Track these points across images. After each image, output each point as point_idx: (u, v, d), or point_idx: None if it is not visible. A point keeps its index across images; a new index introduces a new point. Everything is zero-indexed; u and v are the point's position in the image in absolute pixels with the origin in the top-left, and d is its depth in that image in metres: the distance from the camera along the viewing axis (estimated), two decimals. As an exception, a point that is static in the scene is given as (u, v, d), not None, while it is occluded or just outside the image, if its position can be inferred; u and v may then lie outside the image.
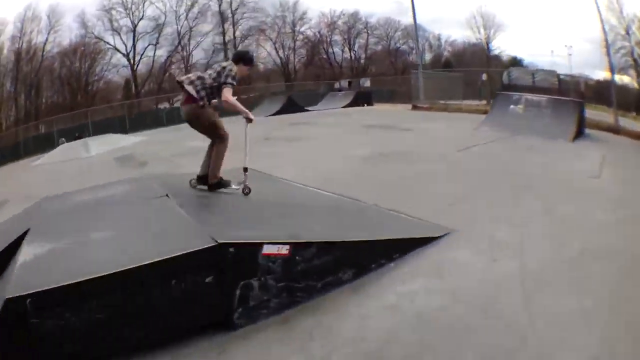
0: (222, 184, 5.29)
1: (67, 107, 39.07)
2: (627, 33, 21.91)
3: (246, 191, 5.30)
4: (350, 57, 54.30)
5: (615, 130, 16.11)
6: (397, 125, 16.79)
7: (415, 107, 23.88)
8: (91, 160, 17.37)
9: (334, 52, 54.79)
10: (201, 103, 4.87)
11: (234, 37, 51.14)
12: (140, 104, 42.15)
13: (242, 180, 5.32)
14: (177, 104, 41.83)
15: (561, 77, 20.29)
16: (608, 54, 21.33)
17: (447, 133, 15.13)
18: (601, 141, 13.77)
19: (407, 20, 63.49)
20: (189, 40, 49.20)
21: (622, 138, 15.02)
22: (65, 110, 37.82)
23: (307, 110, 28.77)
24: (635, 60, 22.22)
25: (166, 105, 41.62)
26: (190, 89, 4.82)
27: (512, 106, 16.97)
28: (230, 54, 48.46)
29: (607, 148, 12.19)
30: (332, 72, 51.77)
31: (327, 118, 21.75)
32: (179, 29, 47.98)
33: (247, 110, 5.16)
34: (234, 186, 5.35)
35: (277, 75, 53.28)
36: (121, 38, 45.99)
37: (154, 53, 47.79)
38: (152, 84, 48.84)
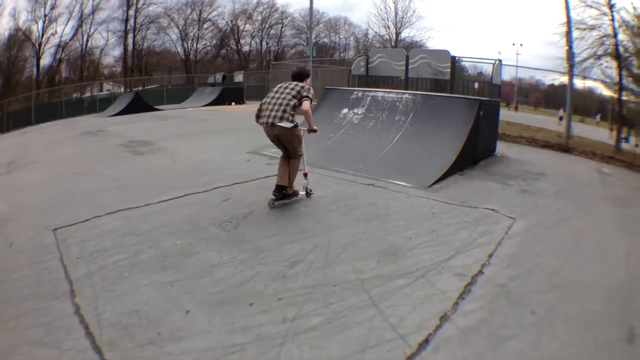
0: (295, 193, 5.47)
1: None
2: (610, 8, 14.67)
3: (310, 192, 5.64)
4: (260, 49, 45.57)
5: (564, 146, 10.92)
6: (155, 143, 9.87)
7: None
8: None
9: (240, 44, 46.04)
10: (293, 125, 5.03)
11: (135, 25, 42.06)
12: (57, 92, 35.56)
13: (305, 184, 5.62)
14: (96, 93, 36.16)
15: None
16: (569, 33, 13.64)
17: (209, 156, 8.27)
18: (527, 176, 7.45)
19: (353, 16, 56.52)
20: (90, 25, 41.83)
21: (574, 161, 9.84)
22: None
23: (157, 110, 22.58)
24: (616, 45, 14.83)
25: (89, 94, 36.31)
26: (285, 124, 4.95)
27: (345, 110, 7.83)
28: (131, 41, 43.40)
29: (539, 192, 6.46)
30: (240, 65, 43.53)
31: (129, 124, 14.88)
32: (82, 10, 40.72)
33: (313, 123, 5.30)
34: (301, 193, 5.56)
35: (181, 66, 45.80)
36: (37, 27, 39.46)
37: (60, 40, 40.60)
38: (71, 72, 42.59)
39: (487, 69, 10.44)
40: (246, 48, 47.41)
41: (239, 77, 27.29)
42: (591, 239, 4.64)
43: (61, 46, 40.71)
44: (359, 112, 8.68)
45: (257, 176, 6.46)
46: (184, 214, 4.85)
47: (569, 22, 13.62)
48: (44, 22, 39.37)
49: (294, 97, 5.06)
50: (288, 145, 5.22)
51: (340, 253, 3.93)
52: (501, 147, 9.54)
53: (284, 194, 5.28)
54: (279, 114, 4.95)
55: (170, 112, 20.17)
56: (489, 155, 8.62)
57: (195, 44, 45.67)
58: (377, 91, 8.98)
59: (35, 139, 13.96)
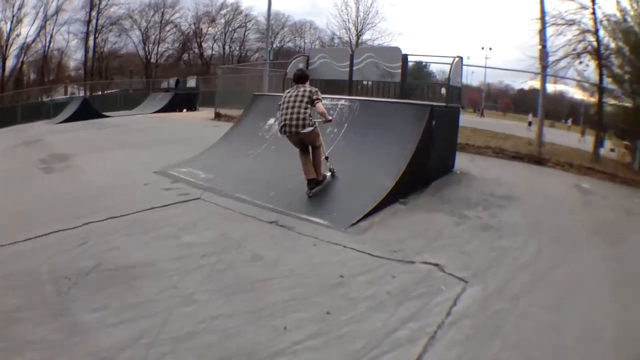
0: (325, 177, 5.70)
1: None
2: (592, 1, 12.99)
3: (334, 171, 5.83)
4: (224, 53, 43.71)
5: (537, 157, 9.23)
6: (73, 157, 8.54)
7: (217, 116, 17.49)
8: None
9: (202, 48, 44.09)
10: (314, 127, 5.43)
11: (96, 26, 39.68)
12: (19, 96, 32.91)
13: (330, 167, 5.84)
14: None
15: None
16: (543, 30, 12.05)
17: (114, 175, 6.78)
18: (490, 201, 5.89)
19: (320, 21, 54.78)
20: (53, 26, 39.47)
21: (549, 175, 8.25)
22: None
23: (104, 116, 20.50)
24: (598, 42, 13.14)
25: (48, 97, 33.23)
26: (308, 130, 5.32)
27: (271, 121, 7.22)
28: (92, 43, 40.99)
29: (505, 227, 4.92)
30: (202, 68, 41.98)
31: (67, 134, 13.57)
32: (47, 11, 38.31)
33: (327, 114, 5.60)
34: (328, 174, 5.79)
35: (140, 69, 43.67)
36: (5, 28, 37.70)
37: (24, 41, 38.44)
38: (38, 74, 40.48)
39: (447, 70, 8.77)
40: (209, 52, 45.41)
41: (191, 82, 25.31)
42: (580, 316, 3.05)
43: (24, 48, 38.54)
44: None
45: (140, 207, 4.94)
46: (34, 262, 3.64)
47: (543, 16, 12.16)
48: (11, 22, 37.28)
49: (307, 103, 5.40)
50: (311, 143, 5.56)
51: (165, 355, 2.39)
52: (462, 161, 7.92)
53: (317, 182, 5.51)
54: (300, 122, 5.30)
55: (115, 120, 18.53)
56: (446, 172, 7.03)
57: (156, 47, 43.53)
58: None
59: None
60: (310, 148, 5.57)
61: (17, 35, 37.98)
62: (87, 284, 3.25)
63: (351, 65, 9.02)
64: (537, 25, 12.12)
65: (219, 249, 3.82)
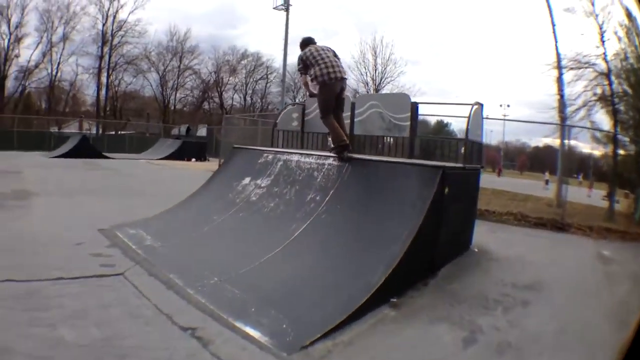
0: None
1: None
2: (602, 41, 11.88)
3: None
4: (244, 103, 43.25)
5: (559, 223, 8.21)
6: (35, 197, 8.18)
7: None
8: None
9: (223, 97, 43.79)
10: None
11: (109, 63, 39.12)
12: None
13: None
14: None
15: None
16: (560, 77, 11.26)
17: (58, 226, 6.05)
18: (512, 298, 4.30)
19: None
20: (60, 55, 39.00)
21: (572, 246, 7.08)
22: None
23: (105, 157, 20.43)
24: (610, 85, 11.87)
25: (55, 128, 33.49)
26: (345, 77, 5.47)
27: (247, 180, 5.94)
28: (105, 79, 40.67)
29: (527, 344, 3.27)
30: (221, 119, 41.12)
31: (49, 170, 13.81)
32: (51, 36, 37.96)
33: None
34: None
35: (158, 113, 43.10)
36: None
37: (27, 65, 38.04)
38: (51, 103, 39.87)
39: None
40: (229, 102, 45.05)
41: (202, 131, 24.46)
42: None
43: (26, 71, 38.26)
44: (263, 184, 5.70)
45: (49, 274, 4.01)
46: None
47: (559, 61, 11.17)
48: (8, 39, 36.90)
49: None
50: (341, 101, 5.57)
51: None
52: (481, 233, 6.35)
53: (346, 146, 5.38)
54: (343, 69, 5.40)
55: (111, 163, 18.36)
56: (461, 252, 5.47)
57: (175, 93, 43.33)
58: (292, 153, 5.91)
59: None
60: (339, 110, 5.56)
61: (16, 56, 37.58)
62: None
63: (352, 116, 7.67)
64: (554, 73, 11.29)
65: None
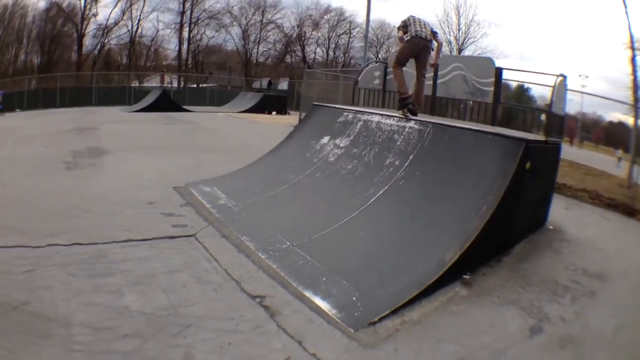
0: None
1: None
2: None
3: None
4: (327, 58, 42.53)
5: (630, 207, 7.06)
6: (107, 155, 7.96)
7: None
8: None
9: (306, 51, 43.21)
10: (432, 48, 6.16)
11: (190, 18, 39.54)
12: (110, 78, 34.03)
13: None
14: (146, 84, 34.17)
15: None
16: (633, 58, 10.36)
17: (128, 183, 5.87)
18: (581, 285, 3.91)
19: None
20: (140, 12, 39.42)
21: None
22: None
23: (185, 110, 20.16)
24: None
25: (136, 83, 33.87)
26: (430, 45, 6.03)
27: (325, 140, 5.82)
28: (186, 34, 40.83)
29: (589, 339, 3.02)
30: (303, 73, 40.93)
31: (128, 124, 13.49)
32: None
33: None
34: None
35: (240, 66, 42.94)
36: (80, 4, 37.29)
37: (106, 23, 38.22)
38: (134, 59, 40.27)
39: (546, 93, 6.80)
40: (312, 56, 44.49)
41: (283, 85, 24.35)
42: None
43: (105, 29, 38.77)
44: (341, 145, 5.57)
45: (115, 236, 3.89)
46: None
47: (632, 43, 10.20)
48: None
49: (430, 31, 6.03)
50: (424, 61, 6.06)
51: None
52: (557, 209, 5.90)
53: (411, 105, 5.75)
54: (430, 36, 5.95)
55: (191, 116, 18.08)
56: (536, 228, 5.15)
57: (257, 46, 43.41)
58: (372, 114, 5.73)
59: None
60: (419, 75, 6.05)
61: (94, 15, 37.90)
62: (7, 319, 2.58)
63: (435, 77, 7.32)
64: (628, 53, 10.28)
65: (150, 331, 2.55)
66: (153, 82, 34.82)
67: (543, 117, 6.68)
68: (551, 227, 5.45)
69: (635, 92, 9.36)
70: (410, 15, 6.19)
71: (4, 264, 3.24)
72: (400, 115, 5.54)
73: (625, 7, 9.86)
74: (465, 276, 3.59)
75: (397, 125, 5.28)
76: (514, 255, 4.35)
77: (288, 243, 3.85)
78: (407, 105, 5.76)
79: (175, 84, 35.61)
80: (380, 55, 39.42)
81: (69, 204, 4.75)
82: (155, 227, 4.18)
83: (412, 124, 5.18)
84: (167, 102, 20.25)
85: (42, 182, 5.72)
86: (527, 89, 18.72)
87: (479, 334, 2.90)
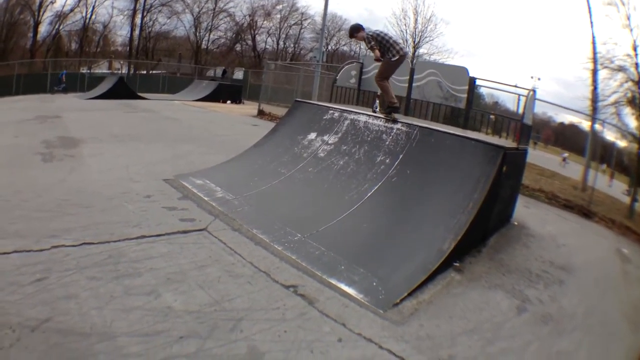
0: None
1: None
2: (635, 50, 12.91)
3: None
4: (277, 48, 42.67)
5: (586, 209, 8.21)
6: (80, 145, 7.59)
7: (260, 113, 16.77)
8: None
9: (256, 41, 43.11)
10: None
11: (144, 4, 38.72)
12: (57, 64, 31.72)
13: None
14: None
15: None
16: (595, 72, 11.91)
17: (112, 176, 5.66)
18: (550, 274, 4.62)
19: (377, 28, 53.63)
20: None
21: (596, 235, 7.17)
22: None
23: (140, 98, 19.92)
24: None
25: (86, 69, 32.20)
26: None
27: (312, 136, 6.24)
28: (139, 21, 40.71)
29: (563, 319, 3.67)
30: (254, 61, 41.46)
31: (90, 113, 13.23)
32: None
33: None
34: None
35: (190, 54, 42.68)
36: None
37: (61, 10, 37.84)
38: (82, 45, 39.66)
39: (505, 98, 7.55)
40: (262, 45, 44.50)
41: (238, 74, 24.27)
42: None
43: (60, 16, 38.12)
44: (330, 141, 5.90)
45: (127, 233, 3.79)
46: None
47: (595, 57, 11.50)
48: None
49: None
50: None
51: None
52: (517, 207, 6.64)
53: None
54: None
55: (149, 104, 17.64)
56: (504, 224, 5.80)
57: (208, 34, 42.87)
58: (360, 113, 6.10)
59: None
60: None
61: (52, 2, 37.20)
62: (29, 346, 2.23)
63: (410, 81, 7.83)
64: (590, 66, 11.74)
65: (205, 330, 2.58)
66: (102, 68, 34.24)
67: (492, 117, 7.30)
68: (516, 223, 6.13)
69: (594, 102, 10.39)
70: (379, 32, 6.27)
71: (5, 274, 2.85)
72: (387, 117, 5.88)
73: (592, 24, 10.87)
74: (455, 264, 4.13)
75: (384, 126, 5.70)
76: (490, 246, 4.94)
77: (299, 235, 4.15)
78: (397, 112, 6.26)
79: (125, 71, 34.83)
80: (330, 47, 40.52)
81: (60, 199, 4.48)
82: (164, 222, 4.15)
83: (399, 125, 5.62)
84: (123, 89, 19.96)
85: (21, 176, 5.30)
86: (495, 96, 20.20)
87: (479, 311, 3.41)
